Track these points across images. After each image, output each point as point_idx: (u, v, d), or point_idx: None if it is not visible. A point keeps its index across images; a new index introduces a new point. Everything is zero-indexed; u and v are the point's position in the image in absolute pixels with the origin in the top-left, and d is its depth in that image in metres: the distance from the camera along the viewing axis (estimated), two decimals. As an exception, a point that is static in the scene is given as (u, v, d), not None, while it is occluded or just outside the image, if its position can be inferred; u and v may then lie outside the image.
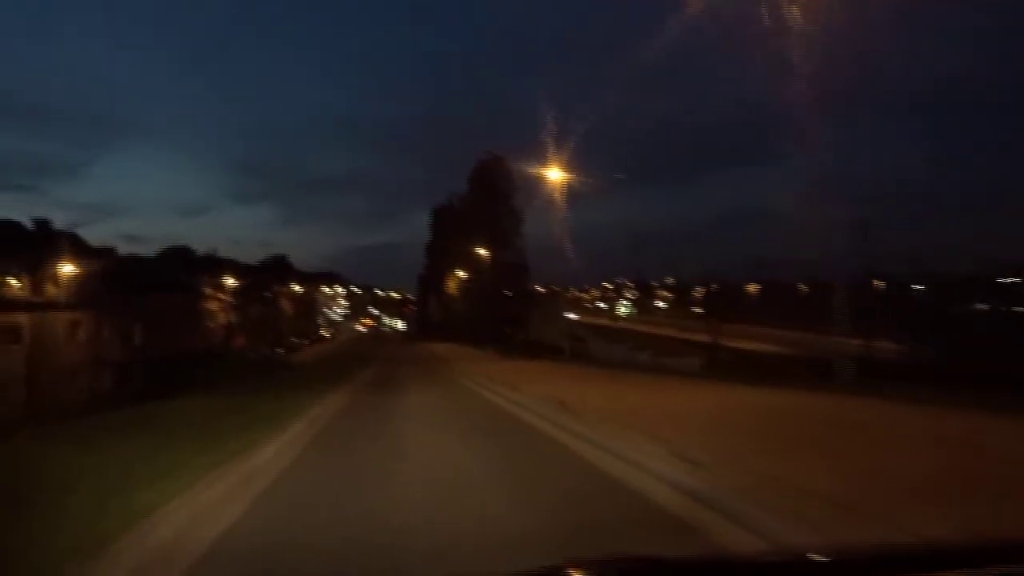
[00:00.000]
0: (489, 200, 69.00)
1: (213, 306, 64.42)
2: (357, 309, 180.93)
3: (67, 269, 37.78)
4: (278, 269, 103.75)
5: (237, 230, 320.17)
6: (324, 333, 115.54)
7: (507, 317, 61.83)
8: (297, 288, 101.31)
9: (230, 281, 65.47)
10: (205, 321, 61.98)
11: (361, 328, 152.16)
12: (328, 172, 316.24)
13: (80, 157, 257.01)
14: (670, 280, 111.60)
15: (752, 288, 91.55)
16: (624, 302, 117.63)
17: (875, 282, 45.97)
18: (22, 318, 35.14)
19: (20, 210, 61.85)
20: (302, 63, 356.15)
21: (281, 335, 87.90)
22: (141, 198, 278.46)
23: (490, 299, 61.99)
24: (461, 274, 76.70)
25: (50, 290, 37.53)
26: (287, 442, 10.33)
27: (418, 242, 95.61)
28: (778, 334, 50.99)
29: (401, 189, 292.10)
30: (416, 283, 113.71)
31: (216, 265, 68.77)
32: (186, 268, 63.14)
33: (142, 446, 8.88)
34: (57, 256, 37.79)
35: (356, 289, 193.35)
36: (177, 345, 51.15)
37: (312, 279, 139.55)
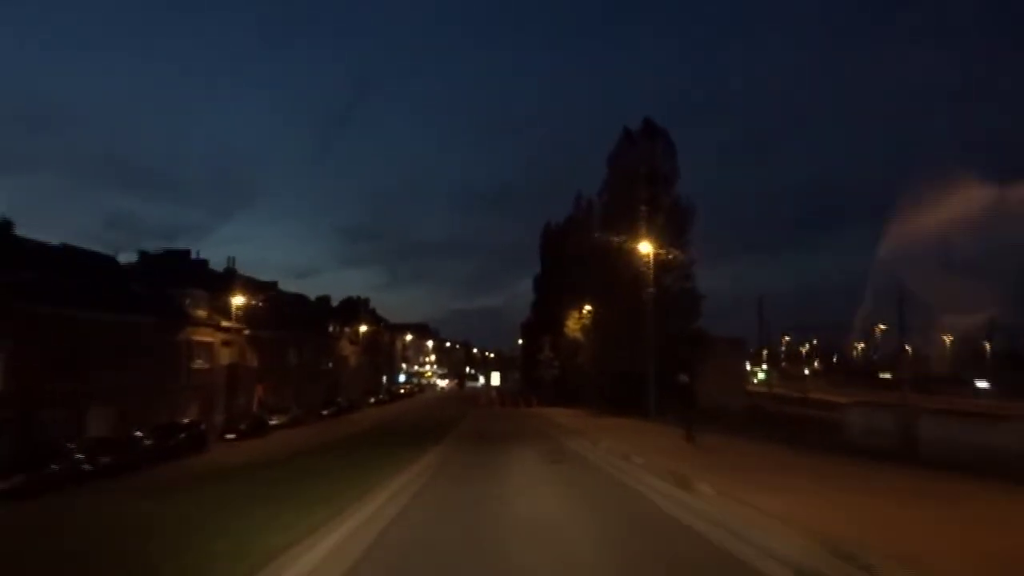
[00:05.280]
0: (639, 189, 44.00)
1: (211, 338, 41.57)
2: (450, 366, 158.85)
3: None
4: (351, 312, 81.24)
5: (344, 291, 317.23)
6: (402, 390, 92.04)
7: (680, 370, 35.55)
8: (364, 328, 77.76)
9: (239, 300, 42.23)
10: (188, 360, 39.08)
11: (442, 384, 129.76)
12: (435, 238, 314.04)
13: (207, 223, 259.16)
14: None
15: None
16: (763, 366, 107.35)
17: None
18: None
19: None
20: (416, 134, 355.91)
21: (337, 389, 64.77)
22: (258, 260, 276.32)
23: (643, 340, 35.99)
24: (588, 309, 51.89)
25: None
26: None
27: (522, 307, 73.71)
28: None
29: (507, 256, 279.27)
30: (519, 333, 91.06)
31: (231, 283, 46.01)
32: (181, 281, 40.91)
33: None
34: None
35: (449, 344, 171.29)
36: (111, 395, 28.48)
37: (397, 329, 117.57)
